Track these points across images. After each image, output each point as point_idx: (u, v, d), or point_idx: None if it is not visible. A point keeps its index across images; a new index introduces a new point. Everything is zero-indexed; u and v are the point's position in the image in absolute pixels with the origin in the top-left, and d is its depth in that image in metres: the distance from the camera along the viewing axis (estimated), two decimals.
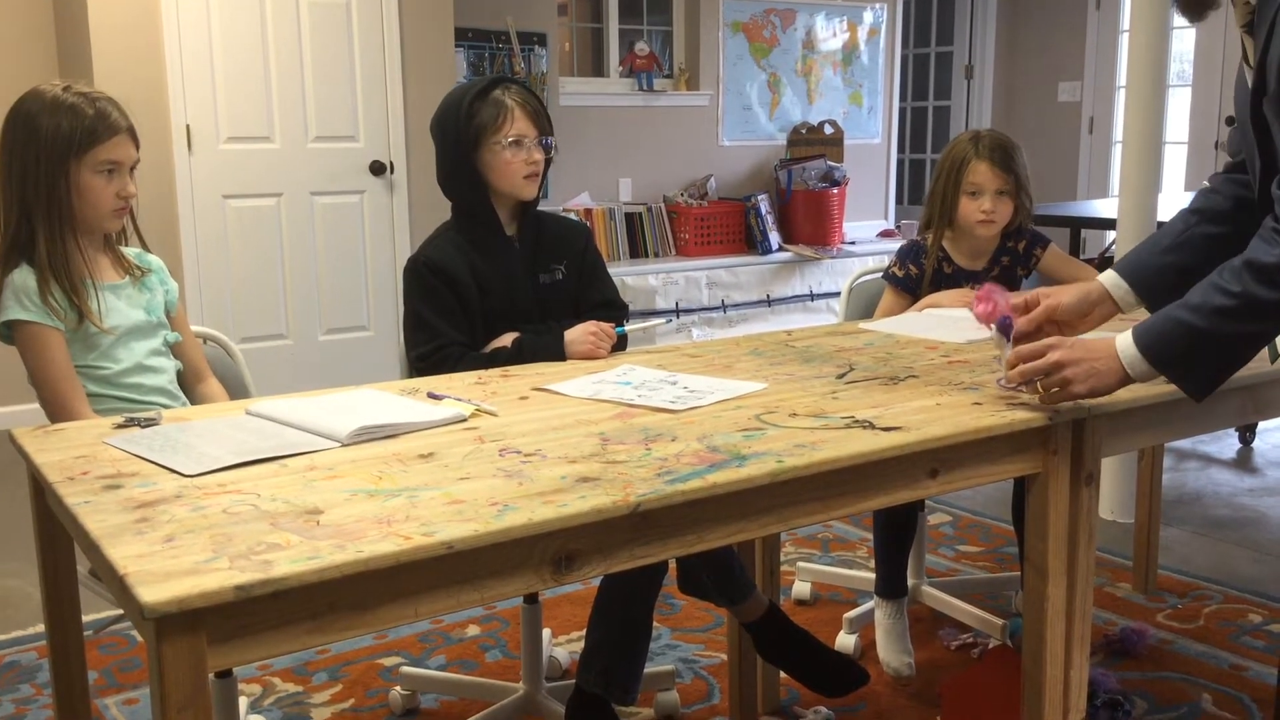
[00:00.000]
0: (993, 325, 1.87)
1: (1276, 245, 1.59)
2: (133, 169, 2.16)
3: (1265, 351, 2.00)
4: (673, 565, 2.33)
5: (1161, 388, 1.78)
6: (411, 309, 2.27)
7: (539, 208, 2.39)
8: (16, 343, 2.09)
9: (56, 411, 2.06)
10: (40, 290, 2.06)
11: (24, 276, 2.08)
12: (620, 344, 2.29)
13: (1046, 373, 1.71)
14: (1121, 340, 1.70)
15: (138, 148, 2.17)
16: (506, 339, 2.25)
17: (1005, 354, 1.80)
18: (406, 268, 2.30)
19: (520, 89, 2.30)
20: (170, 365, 2.24)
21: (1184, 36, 7.17)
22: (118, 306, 2.17)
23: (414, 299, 2.27)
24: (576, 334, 2.21)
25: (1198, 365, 1.67)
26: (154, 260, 2.30)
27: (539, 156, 2.28)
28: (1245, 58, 1.76)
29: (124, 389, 2.14)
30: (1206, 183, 2.03)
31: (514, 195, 2.31)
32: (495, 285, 2.29)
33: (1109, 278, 1.92)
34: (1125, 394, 1.83)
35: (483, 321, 2.28)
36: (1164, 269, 1.88)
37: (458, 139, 2.25)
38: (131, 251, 2.26)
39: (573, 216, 4.85)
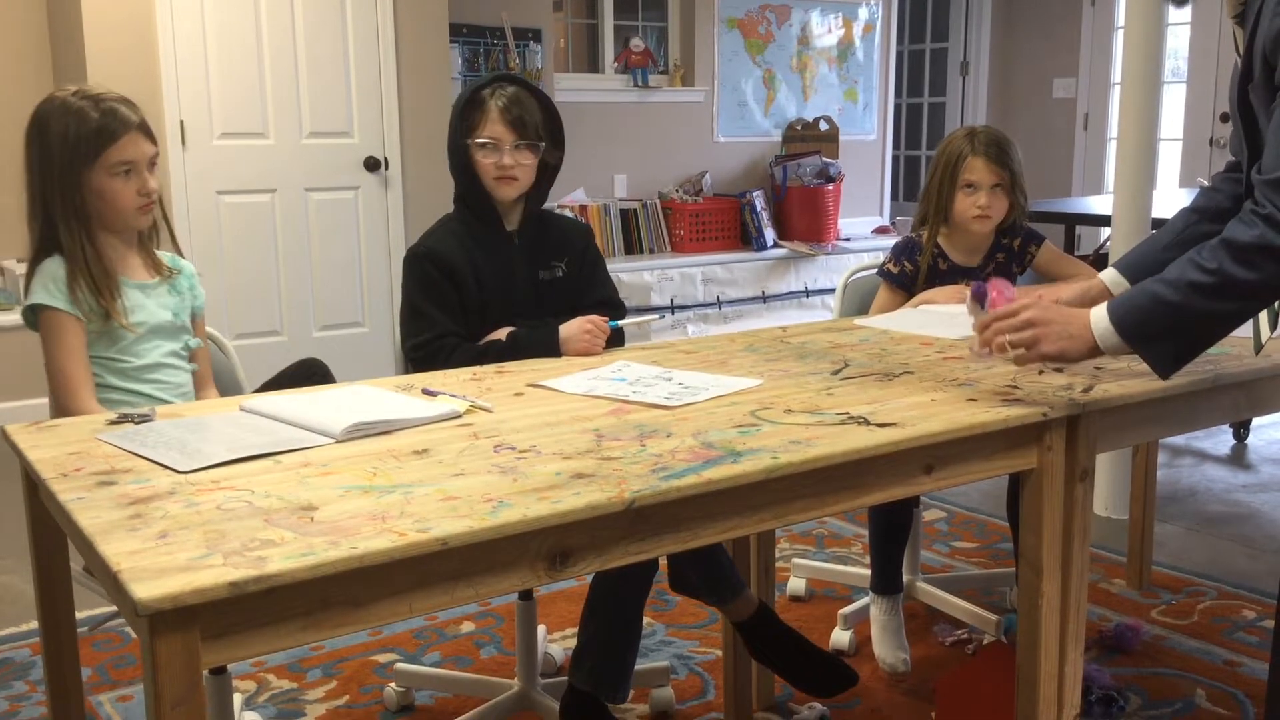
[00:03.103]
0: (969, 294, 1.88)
1: (1254, 226, 1.59)
2: (152, 164, 2.16)
3: (1250, 346, 2.00)
4: (664, 563, 2.33)
5: (1155, 384, 1.78)
6: (409, 299, 2.28)
7: (544, 207, 2.40)
8: (40, 328, 2.11)
9: (62, 397, 2.08)
10: (69, 284, 2.09)
11: (55, 266, 2.11)
12: (618, 340, 2.30)
13: (1018, 329, 1.71)
14: (1096, 312, 1.70)
15: (154, 142, 2.17)
16: (502, 333, 2.25)
17: (976, 319, 1.80)
18: (406, 257, 2.31)
19: (512, 92, 2.27)
20: (189, 369, 2.26)
21: (1179, 33, 7.17)
22: (145, 304, 2.19)
23: (412, 289, 2.27)
24: (571, 330, 2.21)
25: (1166, 340, 1.66)
26: (186, 265, 2.33)
27: (509, 161, 2.26)
28: (1236, 48, 1.77)
29: (145, 384, 2.17)
30: (1204, 181, 2.03)
31: (491, 193, 2.30)
32: (492, 279, 2.29)
33: (1109, 275, 1.93)
34: (1119, 390, 1.83)
35: (479, 314, 2.28)
36: (1163, 266, 1.89)
37: (456, 129, 2.29)
38: (165, 255, 2.28)
39: (567, 213, 4.84)
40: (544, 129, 2.30)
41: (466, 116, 2.27)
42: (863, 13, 7.66)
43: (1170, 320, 1.65)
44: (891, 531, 2.71)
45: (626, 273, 6.17)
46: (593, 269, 2.42)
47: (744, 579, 2.39)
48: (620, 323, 2.28)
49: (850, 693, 2.38)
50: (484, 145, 2.26)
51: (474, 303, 2.28)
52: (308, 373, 2.18)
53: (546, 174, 2.36)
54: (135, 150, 2.11)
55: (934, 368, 2.02)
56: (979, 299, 1.86)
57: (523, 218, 2.36)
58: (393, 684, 2.53)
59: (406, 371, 2.30)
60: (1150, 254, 1.94)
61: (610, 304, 2.39)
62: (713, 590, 2.30)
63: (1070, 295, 1.90)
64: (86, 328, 2.11)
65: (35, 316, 2.11)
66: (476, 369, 2.10)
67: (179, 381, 2.22)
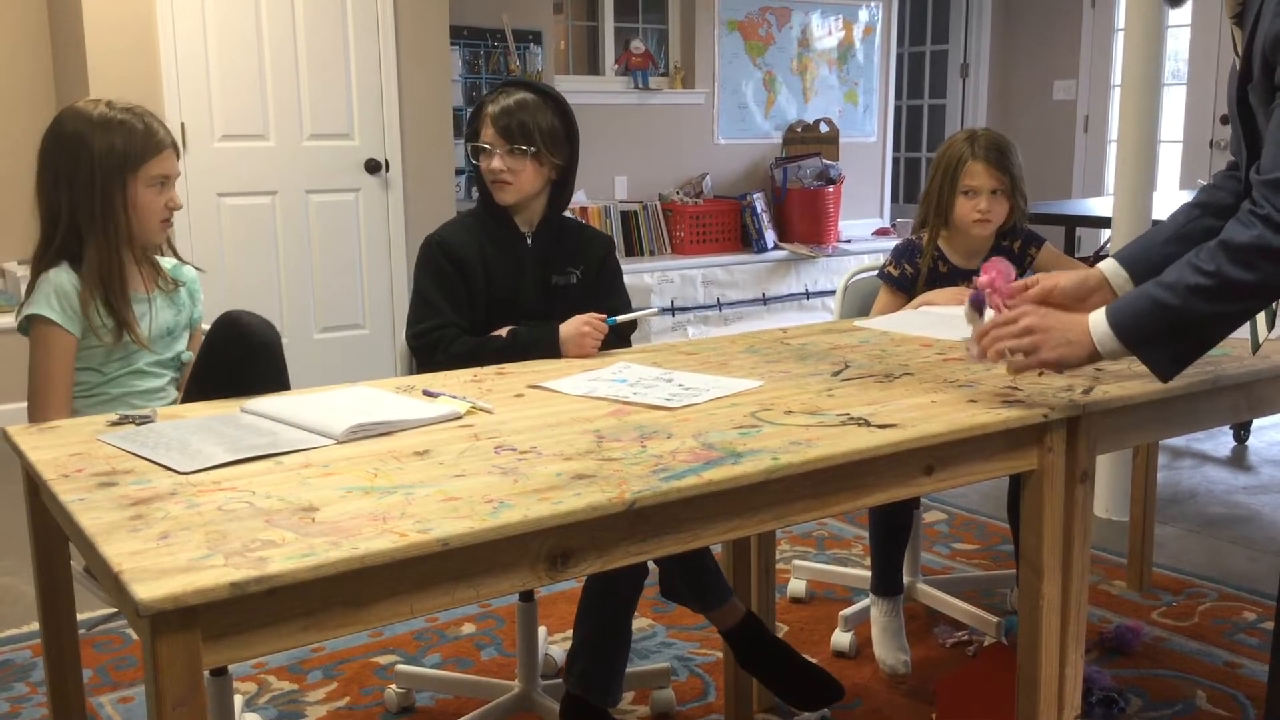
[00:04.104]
0: (966, 300, 1.88)
1: (1252, 227, 1.59)
2: (174, 182, 2.20)
3: (1248, 344, 2.00)
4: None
5: (1155, 385, 1.78)
6: (419, 287, 2.31)
7: (565, 214, 2.42)
8: (31, 335, 2.11)
9: (35, 409, 2.09)
10: (82, 301, 2.08)
11: (62, 277, 2.10)
12: (623, 340, 2.31)
13: (1017, 337, 1.71)
14: (1094, 317, 1.70)
15: (179, 161, 2.21)
16: (504, 331, 2.26)
17: (975, 328, 1.80)
18: (422, 245, 2.35)
19: (514, 99, 2.29)
20: (168, 375, 2.26)
21: (1179, 35, 7.18)
22: (145, 317, 2.20)
23: (422, 277, 2.31)
24: (569, 330, 2.21)
25: (1166, 344, 1.66)
26: (190, 274, 2.33)
27: (497, 165, 2.27)
28: (1235, 49, 1.77)
29: (116, 386, 2.17)
30: (1204, 183, 2.03)
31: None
32: (502, 276, 2.31)
33: (1109, 265, 1.93)
34: (1120, 391, 1.83)
35: (485, 310, 2.30)
36: (1164, 260, 1.89)
37: (467, 132, 2.36)
38: (168, 263, 2.29)
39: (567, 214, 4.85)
40: (548, 135, 2.29)
41: (473, 120, 2.34)
42: (863, 15, 7.66)
43: (1169, 323, 1.65)
44: (892, 533, 2.71)
45: (627, 274, 6.12)
46: (610, 279, 2.44)
47: (742, 582, 2.39)
48: (619, 319, 2.28)
49: (851, 694, 2.38)
50: (480, 150, 2.30)
51: (481, 297, 2.30)
52: (226, 333, 2.14)
53: (564, 178, 2.36)
54: (170, 165, 2.17)
55: (934, 369, 2.02)
56: (977, 307, 1.86)
57: (539, 220, 2.37)
58: (393, 685, 2.53)
59: (409, 366, 2.31)
60: (1150, 247, 1.94)
61: (615, 313, 2.39)
62: (699, 597, 2.31)
63: (1069, 283, 1.89)
64: (90, 342, 2.11)
65: (30, 325, 2.10)
66: (477, 370, 2.10)
67: (154, 387, 2.22)
